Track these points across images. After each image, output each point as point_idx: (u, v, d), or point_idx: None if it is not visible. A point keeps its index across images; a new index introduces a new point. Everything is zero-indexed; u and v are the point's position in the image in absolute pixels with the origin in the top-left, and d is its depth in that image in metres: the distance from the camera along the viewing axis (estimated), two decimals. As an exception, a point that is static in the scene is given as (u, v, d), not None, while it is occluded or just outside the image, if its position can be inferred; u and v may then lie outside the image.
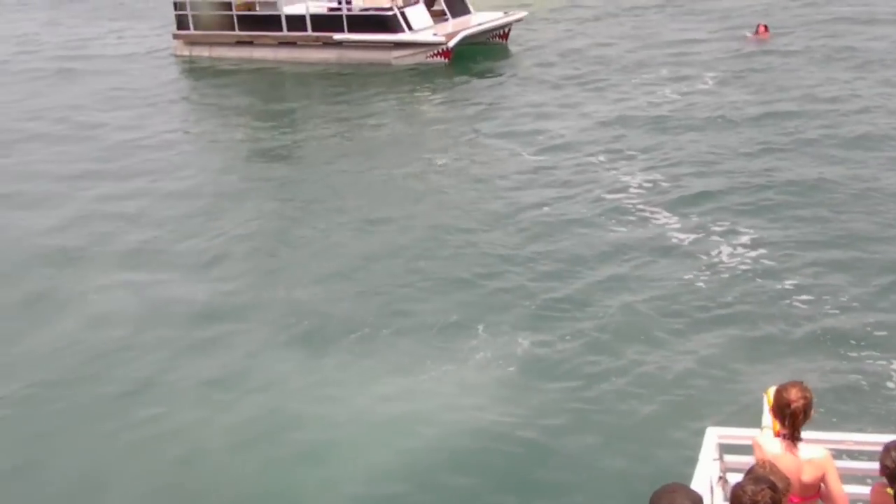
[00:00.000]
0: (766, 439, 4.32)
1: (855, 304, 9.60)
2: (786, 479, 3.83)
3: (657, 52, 19.60)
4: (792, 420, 4.17)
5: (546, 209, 12.94)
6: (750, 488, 3.26)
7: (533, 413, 8.39)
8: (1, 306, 11.04)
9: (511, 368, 9.17)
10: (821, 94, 16.10)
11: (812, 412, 4.24)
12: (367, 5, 20.33)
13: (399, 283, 11.13)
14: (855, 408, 7.49)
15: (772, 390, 4.46)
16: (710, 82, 17.20)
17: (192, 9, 21.72)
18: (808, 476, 4.14)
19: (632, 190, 13.17)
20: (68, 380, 9.21)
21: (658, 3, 24.04)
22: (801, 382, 4.34)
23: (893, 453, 3.79)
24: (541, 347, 9.58)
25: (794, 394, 4.17)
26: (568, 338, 9.56)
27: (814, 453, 4.17)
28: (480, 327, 9.86)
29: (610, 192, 13.23)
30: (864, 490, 4.39)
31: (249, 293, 11.09)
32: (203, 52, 22.31)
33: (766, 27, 19.89)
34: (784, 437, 4.20)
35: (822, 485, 4.21)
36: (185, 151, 16.70)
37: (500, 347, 9.61)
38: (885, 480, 3.93)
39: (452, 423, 8.28)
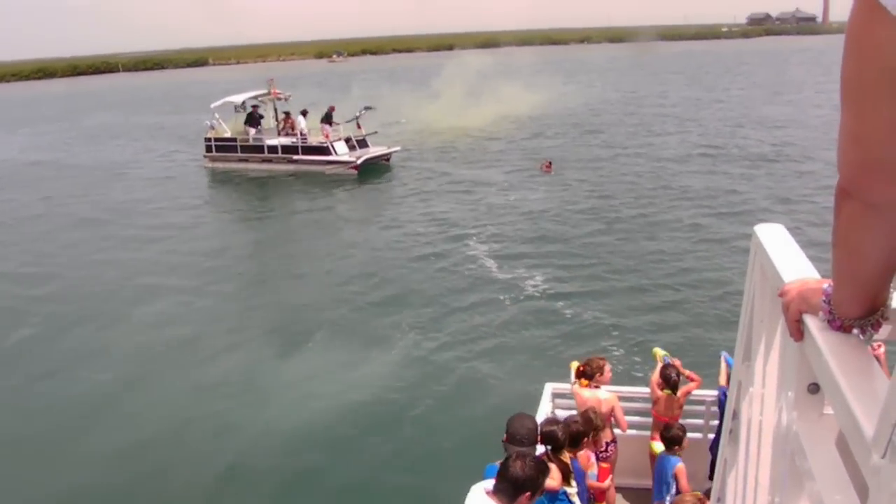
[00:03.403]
0: (581, 390, 5.40)
1: (603, 315, 12.17)
2: (599, 414, 5.08)
3: (490, 172, 26.30)
4: (598, 377, 5.40)
5: (414, 254, 16.30)
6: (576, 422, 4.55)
7: (427, 376, 9.89)
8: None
9: (414, 353, 10.66)
10: (574, 198, 21.55)
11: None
12: (312, 140, 27.90)
13: (322, 304, 13.25)
14: (617, 371, 7.70)
15: (574, 363, 5.59)
16: (514, 191, 22.99)
17: (215, 140, 29.83)
18: (604, 408, 5.26)
19: (472, 248, 16.58)
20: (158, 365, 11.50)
21: (482, 158, 29.68)
22: (602, 356, 5.64)
23: (669, 371, 5.39)
24: (428, 340, 11.20)
25: (596, 362, 5.48)
26: (444, 335, 11.49)
27: (607, 395, 5.39)
28: (389, 330, 11.70)
29: (460, 249, 16.52)
30: (630, 418, 5.62)
31: (242, 302, 14.05)
32: (219, 164, 29.69)
33: (549, 164, 26.50)
34: (591, 387, 5.37)
35: (612, 411, 5.37)
36: (206, 216, 23.38)
37: (403, 341, 11.22)
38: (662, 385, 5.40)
39: (374, 384, 9.54)
